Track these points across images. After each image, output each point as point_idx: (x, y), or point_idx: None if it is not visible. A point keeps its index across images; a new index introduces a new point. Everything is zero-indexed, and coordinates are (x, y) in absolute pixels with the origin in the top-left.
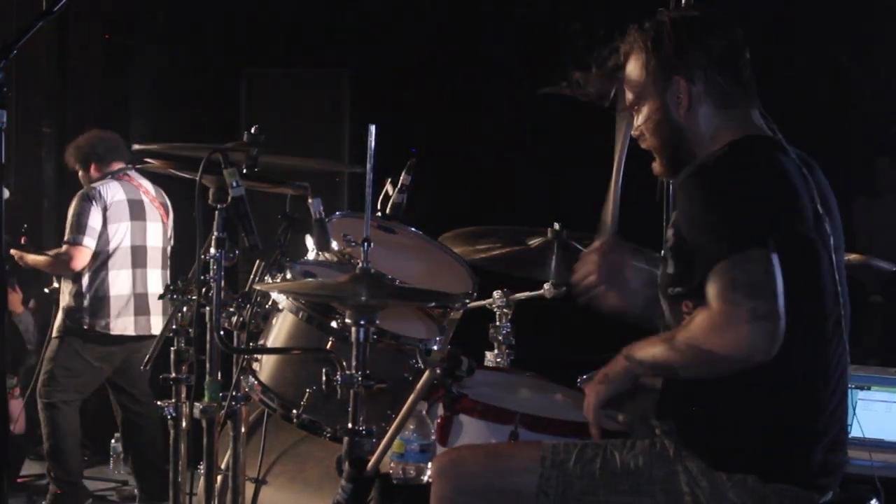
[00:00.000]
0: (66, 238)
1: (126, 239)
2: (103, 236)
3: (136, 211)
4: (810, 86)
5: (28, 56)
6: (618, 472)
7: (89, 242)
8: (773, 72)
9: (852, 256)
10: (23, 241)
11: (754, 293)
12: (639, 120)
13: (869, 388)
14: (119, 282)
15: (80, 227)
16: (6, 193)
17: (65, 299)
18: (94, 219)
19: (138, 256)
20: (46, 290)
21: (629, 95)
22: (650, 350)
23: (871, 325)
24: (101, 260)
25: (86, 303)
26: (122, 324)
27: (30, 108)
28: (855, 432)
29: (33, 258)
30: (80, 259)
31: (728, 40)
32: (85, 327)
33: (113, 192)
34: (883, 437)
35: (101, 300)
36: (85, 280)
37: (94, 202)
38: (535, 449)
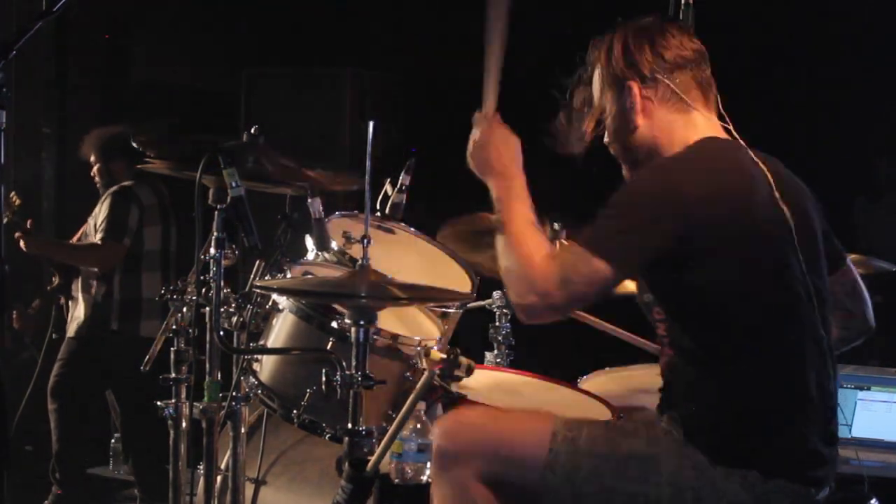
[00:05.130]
0: (102, 235)
1: (158, 242)
2: (138, 238)
3: (164, 214)
4: (810, 85)
5: (28, 56)
6: (628, 457)
7: (127, 242)
8: (773, 71)
9: (852, 256)
10: (29, 225)
11: (569, 285)
12: (607, 130)
13: (869, 389)
14: (151, 284)
15: (119, 225)
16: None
17: (88, 300)
18: (133, 219)
19: (166, 259)
20: (49, 288)
21: (598, 108)
22: (509, 215)
23: None
24: (133, 261)
25: (116, 304)
26: (151, 326)
27: (30, 108)
28: (855, 432)
29: (57, 246)
30: (116, 257)
31: (682, 45)
32: (113, 328)
33: (146, 194)
34: (883, 437)
35: (133, 302)
36: (116, 281)
37: (132, 202)
38: (546, 421)
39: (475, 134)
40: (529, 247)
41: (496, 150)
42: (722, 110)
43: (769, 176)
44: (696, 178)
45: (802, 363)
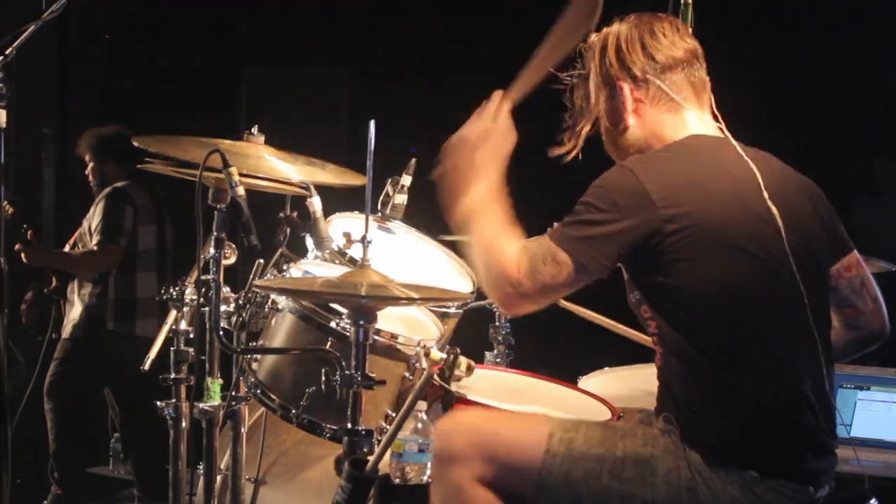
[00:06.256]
0: (98, 238)
1: (153, 241)
2: (133, 238)
3: (159, 213)
4: (810, 86)
5: (28, 56)
6: (624, 459)
7: (124, 244)
8: (773, 70)
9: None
10: (29, 236)
11: (537, 275)
12: (601, 129)
13: (869, 388)
14: (147, 284)
15: (114, 227)
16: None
17: (83, 300)
18: (128, 220)
19: (162, 259)
20: (46, 291)
21: (594, 107)
22: (482, 220)
23: None
24: (129, 262)
25: (111, 304)
26: (147, 325)
27: (30, 108)
28: (854, 432)
29: (56, 256)
30: (115, 259)
31: (674, 45)
32: (109, 328)
33: (140, 194)
34: (882, 437)
35: (128, 302)
36: (111, 281)
37: (126, 203)
38: (543, 424)
39: (475, 125)
40: (504, 242)
41: (492, 145)
42: (715, 109)
43: (758, 174)
44: (664, 177)
45: (792, 362)
